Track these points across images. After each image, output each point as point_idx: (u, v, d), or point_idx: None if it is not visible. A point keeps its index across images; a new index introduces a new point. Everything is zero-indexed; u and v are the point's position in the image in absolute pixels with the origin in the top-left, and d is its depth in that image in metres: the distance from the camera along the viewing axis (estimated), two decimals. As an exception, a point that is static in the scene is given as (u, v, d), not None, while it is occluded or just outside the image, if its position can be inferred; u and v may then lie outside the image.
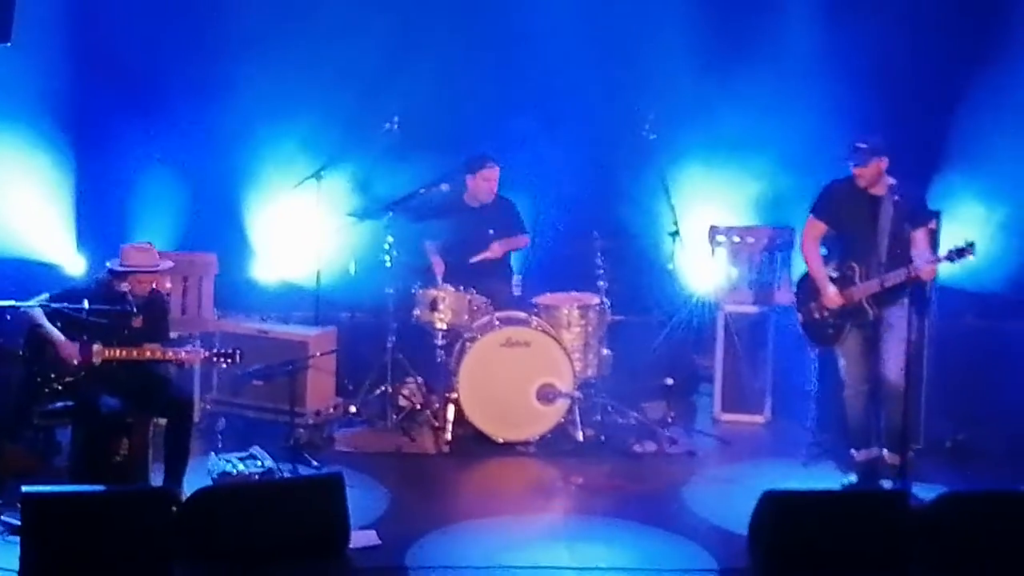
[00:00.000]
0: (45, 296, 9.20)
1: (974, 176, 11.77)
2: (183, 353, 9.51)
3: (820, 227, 10.01)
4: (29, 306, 9.08)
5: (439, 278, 11.47)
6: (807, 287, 10.06)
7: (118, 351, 9.19)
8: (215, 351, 9.61)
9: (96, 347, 9.14)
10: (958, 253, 9.32)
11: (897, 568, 8.21)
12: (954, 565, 8.18)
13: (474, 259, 11.55)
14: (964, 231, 9.48)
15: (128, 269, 9.30)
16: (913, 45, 12.28)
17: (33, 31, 11.09)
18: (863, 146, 9.69)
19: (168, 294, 10.33)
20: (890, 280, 9.52)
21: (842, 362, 10.01)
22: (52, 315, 9.14)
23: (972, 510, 8.35)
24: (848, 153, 9.74)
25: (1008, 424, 10.76)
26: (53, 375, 9.16)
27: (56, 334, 9.14)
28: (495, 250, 11.68)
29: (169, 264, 9.66)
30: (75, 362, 9.13)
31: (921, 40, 12.27)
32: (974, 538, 8.20)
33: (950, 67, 12.20)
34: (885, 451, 9.85)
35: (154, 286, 9.52)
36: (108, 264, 9.39)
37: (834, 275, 9.90)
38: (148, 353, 9.29)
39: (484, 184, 11.67)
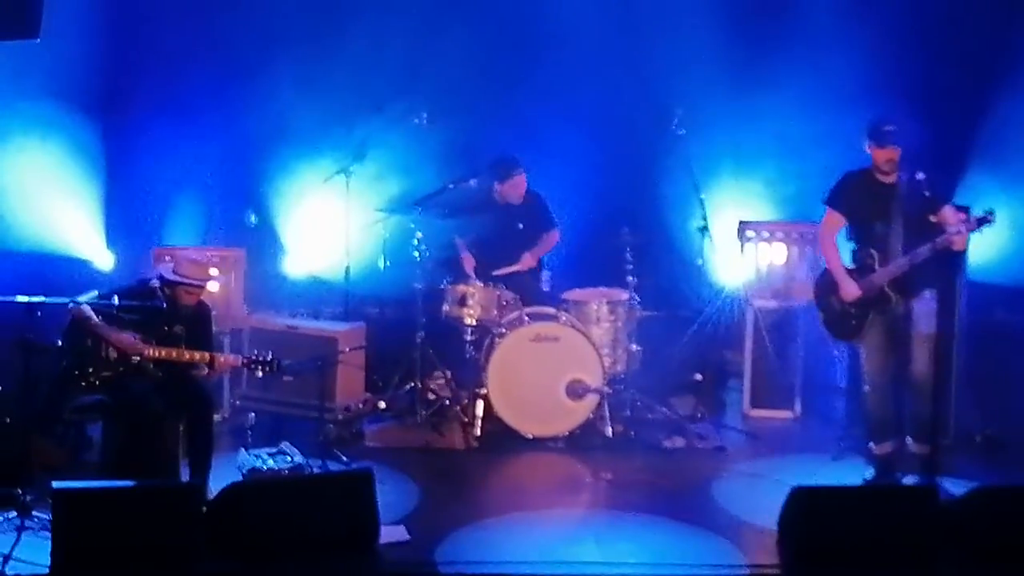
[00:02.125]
0: (94, 294, 9.24)
1: (1003, 171, 11.73)
2: (220, 358, 9.52)
3: (837, 219, 9.96)
4: (61, 302, 9.10)
5: (470, 273, 11.49)
6: (826, 282, 10.03)
7: (157, 350, 9.21)
8: (252, 358, 9.61)
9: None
10: (979, 221, 9.30)
11: (927, 563, 8.19)
12: (985, 560, 8.16)
13: (503, 271, 11.53)
14: (993, 227, 9.42)
15: (177, 280, 9.30)
16: (944, 43, 12.25)
17: (61, 26, 11.11)
18: (888, 128, 9.67)
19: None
20: (918, 256, 9.46)
21: (863, 354, 9.96)
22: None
23: (1003, 505, 8.33)
24: (871, 132, 9.70)
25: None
26: (91, 369, 9.19)
27: (110, 329, 9.16)
28: (527, 261, 11.69)
29: (216, 279, 9.67)
30: (135, 351, 9.13)
31: (952, 39, 12.23)
32: (1005, 533, 8.18)
33: (979, 64, 12.16)
34: (909, 439, 9.84)
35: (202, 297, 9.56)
36: (161, 269, 9.40)
37: (852, 266, 9.86)
38: (187, 355, 9.30)
39: (512, 191, 11.69)
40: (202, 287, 9.48)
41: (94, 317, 9.17)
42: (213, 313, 9.85)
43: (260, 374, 9.71)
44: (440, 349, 11.54)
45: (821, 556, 8.22)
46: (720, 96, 12.42)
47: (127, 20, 12.30)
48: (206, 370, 9.44)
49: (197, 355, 9.32)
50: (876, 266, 9.69)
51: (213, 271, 9.58)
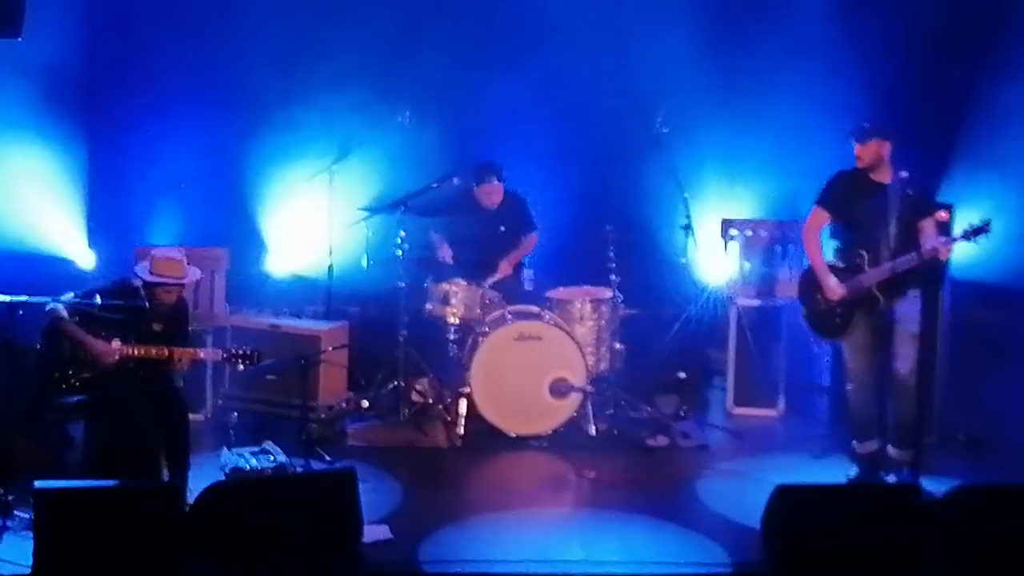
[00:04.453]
0: (70, 295, 9.19)
1: (988, 169, 11.74)
2: (200, 352, 9.51)
3: (823, 216, 9.98)
4: (41, 302, 9.07)
5: (447, 261, 11.49)
6: (811, 279, 10.03)
7: (137, 349, 9.18)
8: (232, 352, 9.61)
9: (115, 344, 9.13)
10: (974, 232, 9.31)
11: (910, 561, 8.19)
12: (968, 559, 8.15)
13: (489, 281, 11.51)
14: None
15: (156, 281, 9.26)
16: (931, 39, 12.27)
17: (43, 26, 11.07)
18: (866, 125, 9.71)
19: (198, 284, 10.34)
20: (901, 264, 9.49)
21: (847, 353, 9.98)
22: (68, 311, 9.14)
23: (986, 503, 8.32)
24: (851, 131, 9.74)
25: (1022, 416, 10.73)
26: (71, 371, 9.16)
27: (85, 335, 9.11)
28: (503, 269, 11.69)
29: (196, 275, 9.65)
30: (111, 358, 9.10)
31: (939, 35, 12.26)
32: (988, 532, 8.16)
33: (965, 63, 12.19)
34: (890, 448, 9.85)
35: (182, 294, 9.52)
36: (137, 271, 9.36)
37: (841, 265, 9.87)
38: (166, 351, 9.27)
39: (486, 197, 11.70)
40: (181, 286, 9.44)
41: (68, 320, 9.15)
42: (191, 310, 9.81)
43: (241, 367, 9.69)
44: (423, 348, 11.53)
45: (805, 554, 8.20)
46: (704, 94, 12.42)
47: (109, 19, 12.25)
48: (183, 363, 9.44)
49: (177, 351, 9.30)
50: (866, 266, 9.69)
51: (190, 268, 9.51)
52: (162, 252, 9.46)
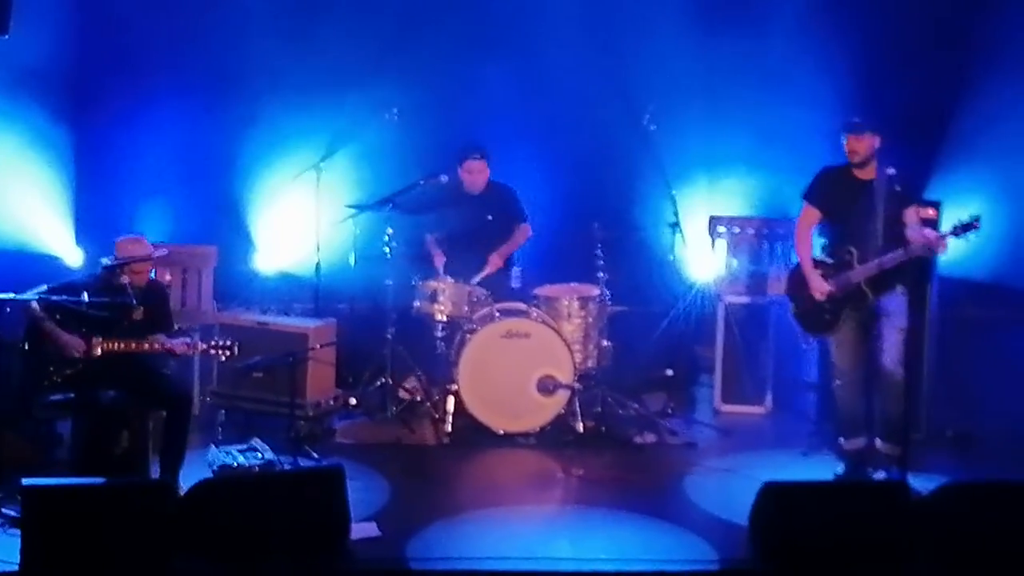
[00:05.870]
0: (43, 288, 9.18)
1: (976, 166, 11.77)
2: (181, 345, 9.51)
3: (814, 213, 10.00)
4: (27, 298, 9.06)
5: (440, 270, 11.47)
6: (799, 276, 10.04)
7: (118, 343, 9.18)
8: (213, 343, 9.65)
9: (96, 340, 9.13)
10: (964, 228, 9.30)
11: (899, 558, 8.20)
12: (956, 555, 8.16)
13: (477, 279, 11.49)
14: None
15: (124, 260, 9.27)
16: (919, 35, 12.31)
17: (31, 23, 11.06)
18: (856, 120, 9.73)
19: (169, 285, 10.37)
20: (890, 261, 9.50)
21: (834, 350, 9.99)
22: (51, 308, 9.13)
23: (974, 500, 8.33)
24: (843, 125, 9.75)
25: (1010, 414, 10.78)
26: (53, 368, 9.15)
27: (56, 330, 9.12)
28: (494, 262, 11.66)
29: (163, 251, 9.68)
30: (79, 353, 9.11)
31: (926, 30, 12.30)
32: (976, 529, 8.18)
33: (952, 60, 12.22)
34: (878, 441, 9.86)
35: (153, 276, 9.51)
36: (103, 261, 9.36)
37: (829, 261, 9.88)
38: (147, 345, 9.28)
39: (468, 177, 11.66)
40: (148, 259, 9.44)
41: (44, 317, 9.14)
42: (183, 308, 9.82)
43: (223, 358, 9.71)
44: (411, 345, 11.51)
45: (792, 551, 8.22)
46: (691, 91, 12.43)
47: (96, 17, 12.26)
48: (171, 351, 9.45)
49: (158, 344, 9.31)
50: (855, 263, 9.70)
51: (156, 249, 9.54)
52: (122, 238, 9.48)
